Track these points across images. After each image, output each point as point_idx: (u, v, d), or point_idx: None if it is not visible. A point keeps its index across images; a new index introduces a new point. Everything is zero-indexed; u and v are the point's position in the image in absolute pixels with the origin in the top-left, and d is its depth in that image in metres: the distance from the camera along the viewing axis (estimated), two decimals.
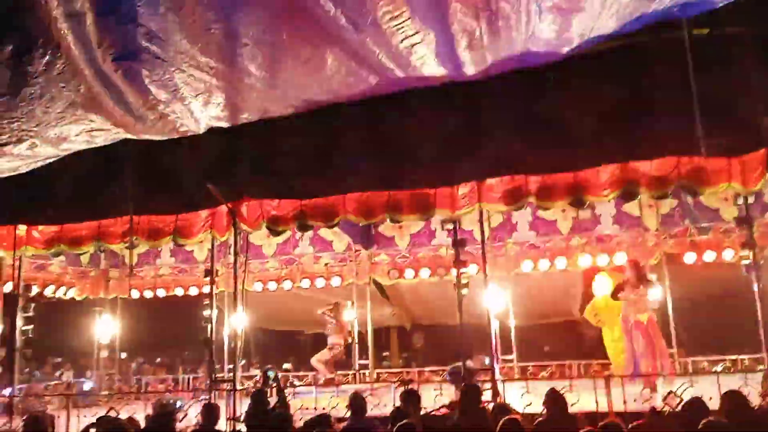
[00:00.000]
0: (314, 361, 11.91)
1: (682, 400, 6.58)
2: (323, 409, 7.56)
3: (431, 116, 8.76)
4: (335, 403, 7.84)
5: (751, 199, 8.81)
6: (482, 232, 9.33)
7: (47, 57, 4.23)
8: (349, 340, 12.35)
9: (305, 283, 13.07)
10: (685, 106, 6.89)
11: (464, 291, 8.92)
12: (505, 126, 8.50)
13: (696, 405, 5.26)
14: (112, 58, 4.46)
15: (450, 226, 9.50)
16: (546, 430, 5.24)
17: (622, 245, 11.74)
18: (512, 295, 11.96)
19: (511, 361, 11.87)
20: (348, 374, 12.28)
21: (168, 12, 4.01)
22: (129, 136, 5.93)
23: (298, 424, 5.99)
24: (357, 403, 6.07)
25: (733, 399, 4.74)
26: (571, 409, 5.99)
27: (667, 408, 6.64)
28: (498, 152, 8.56)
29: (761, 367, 8.27)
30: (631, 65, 8.08)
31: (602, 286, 10.93)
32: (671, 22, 6.64)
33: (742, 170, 8.07)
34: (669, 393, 7.00)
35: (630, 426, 6.12)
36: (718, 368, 10.17)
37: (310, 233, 12.28)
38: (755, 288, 8.11)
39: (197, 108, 5.30)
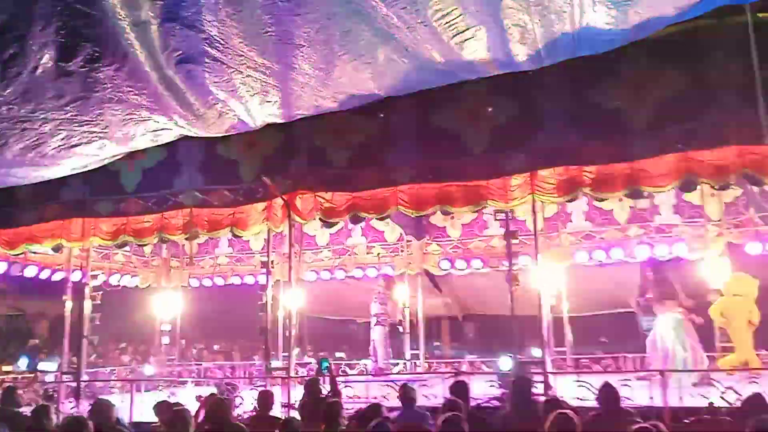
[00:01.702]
0: (376, 343, 12.01)
1: (740, 396, 6.44)
2: (374, 398, 7.70)
3: (483, 107, 8.72)
4: (386, 393, 7.97)
5: None
6: (535, 222, 9.25)
7: (116, 64, 4.46)
8: (398, 316, 12.42)
9: (357, 272, 13.24)
10: (747, 93, 6.65)
11: (516, 282, 8.88)
12: (558, 116, 8.39)
13: (755, 401, 5.14)
14: (176, 62, 4.67)
15: (502, 217, 9.47)
16: (598, 425, 5.21)
17: (682, 235, 11.43)
18: (566, 286, 11.82)
19: (564, 353, 11.74)
20: (399, 363, 12.42)
21: (227, 18, 4.18)
22: (190, 133, 6.17)
23: (350, 413, 6.16)
24: (407, 393, 6.16)
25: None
26: (625, 404, 5.93)
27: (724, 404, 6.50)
28: (551, 143, 8.45)
29: None
30: (691, 52, 7.83)
31: (741, 286, 10.04)
32: (733, 7, 6.41)
33: None
34: (727, 388, 6.84)
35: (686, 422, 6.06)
36: None
37: (362, 223, 12.42)
38: None
39: (254, 106, 5.48)
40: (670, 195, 10.96)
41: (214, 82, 4.96)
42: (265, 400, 6.52)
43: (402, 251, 13.16)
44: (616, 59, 7.76)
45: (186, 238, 10.43)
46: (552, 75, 7.68)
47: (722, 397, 6.85)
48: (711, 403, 6.51)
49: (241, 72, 4.80)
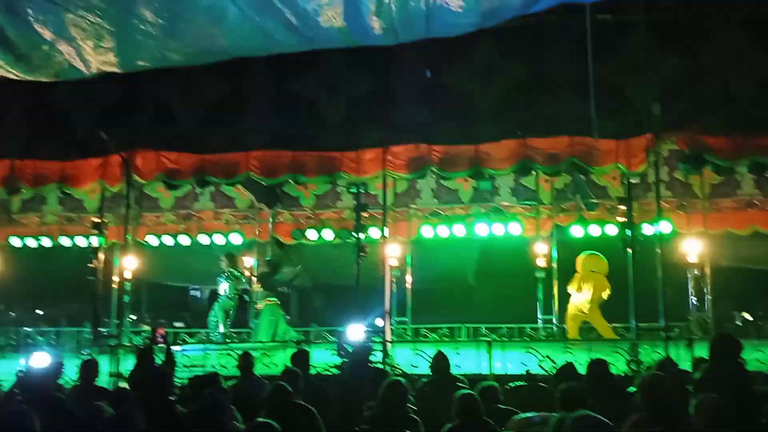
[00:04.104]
0: (211, 317, 11.69)
1: (555, 364, 7.11)
2: (212, 367, 7.52)
3: (340, 79, 8.73)
4: (225, 362, 7.81)
5: (635, 180, 9.46)
6: (384, 197, 9.47)
7: None
8: (244, 289, 12.17)
9: (204, 238, 12.73)
10: (580, 88, 7.23)
11: (364, 254, 9.06)
12: (412, 94, 8.63)
13: (566, 369, 5.67)
14: None
15: (354, 189, 9.58)
16: (427, 392, 5.48)
17: (518, 216, 12.25)
18: (411, 259, 12.24)
19: (405, 322, 12.18)
20: (242, 332, 12.20)
21: None
22: (11, 76, 5.50)
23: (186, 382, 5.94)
24: (246, 362, 6.09)
25: (596, 367, 5.14)
26: (456, 371, 6.29)
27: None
28: (404, 120, 8.70)
29: (630, 336, 9.00)
30: (536, 45, 8.39)
31: (595, 263, 10.91)
32: (575, 6, 6.87)
33: (627, 153, 8.63)
34: (545, 357, 7.52)
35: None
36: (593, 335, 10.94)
37: (211, 188, 11.92)
38: (630, 263, 8.75)
39: (87, 51, 4.97)
40: (509, 178, 11.65)
41: (40, 20, 4.43)
42: (88, 369, 6.08)
43: (252, 219, 12.84)
44: (469, 44, 8.12)
45: (7, 193, 9.40)
46: (408, 53, 7.86)
47: (540, 365, 7.52)
48: (528, 371, 7.10)
49: (71, 11, 4.33)
